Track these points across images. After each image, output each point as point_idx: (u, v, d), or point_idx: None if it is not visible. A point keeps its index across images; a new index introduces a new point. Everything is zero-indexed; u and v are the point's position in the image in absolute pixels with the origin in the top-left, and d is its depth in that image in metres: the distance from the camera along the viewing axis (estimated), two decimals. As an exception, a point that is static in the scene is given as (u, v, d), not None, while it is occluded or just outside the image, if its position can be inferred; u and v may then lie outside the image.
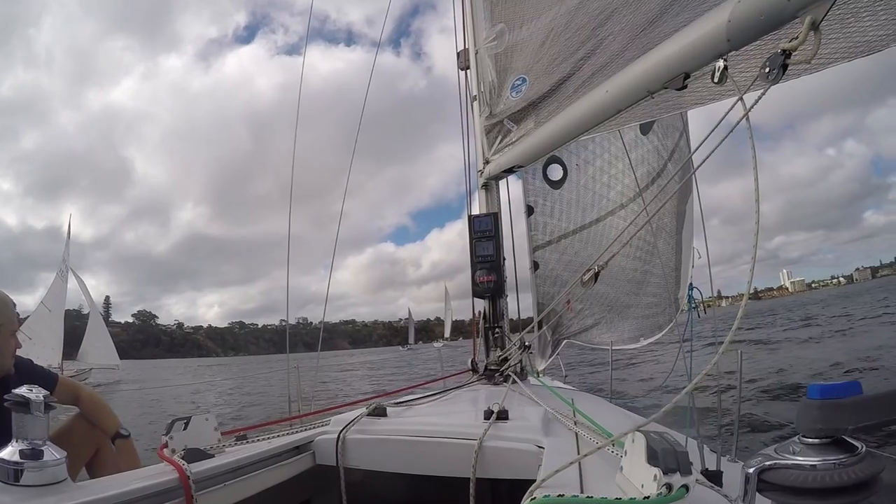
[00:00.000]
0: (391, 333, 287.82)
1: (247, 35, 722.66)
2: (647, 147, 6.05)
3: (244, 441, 2.38)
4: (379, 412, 2.60)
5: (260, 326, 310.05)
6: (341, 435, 2.33)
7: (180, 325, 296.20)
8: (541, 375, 5.55)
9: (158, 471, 1.81)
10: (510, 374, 3.70)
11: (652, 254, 6.16)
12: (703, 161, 2.24)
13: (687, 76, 2.45)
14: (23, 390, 1.63)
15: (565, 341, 6.13)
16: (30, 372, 2.72)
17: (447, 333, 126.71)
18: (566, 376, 7.10)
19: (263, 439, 2.44)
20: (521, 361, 4.03)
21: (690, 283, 4.83)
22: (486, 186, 4.44)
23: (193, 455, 1.93)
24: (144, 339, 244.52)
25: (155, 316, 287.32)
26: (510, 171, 4.13)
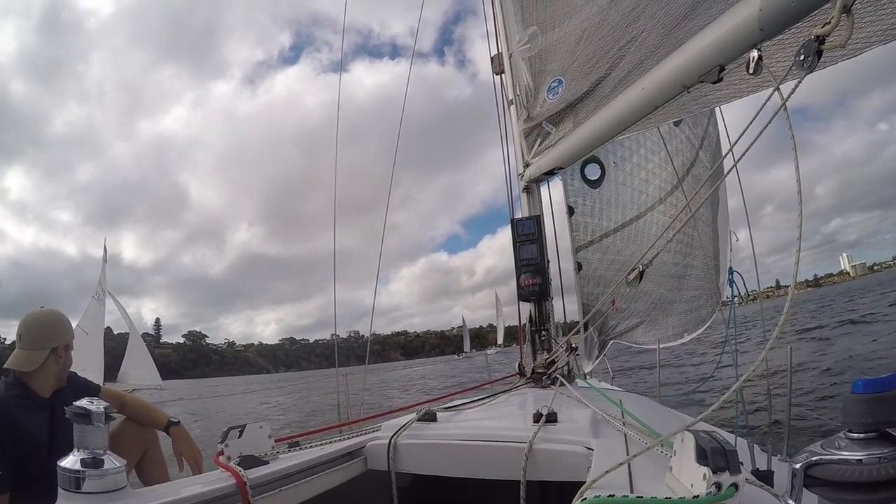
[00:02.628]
0: (444, 343, 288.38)
1: (293, 55, 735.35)
2: (679, 138, 6.09)
3: (297, 448, 2.46)
4: (429, 417, 2.67)
5: (311, 341, 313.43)
6: (392, 440, 2.41)
7: (231, 344, 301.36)
8: (588, 378, 5.58)
9: (215, 477, 1.90)
10: (557, 376, 3.75)
11: (692, 245, 6.19)
12: (743, 154, 2.28)
13: (722, 69, 2.48)
14: (84, 402, 1.73)
15: (612, 342, 6.13)
16: (75, 384, 2.93)
17: (500, 340, 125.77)
18: (613, 378, 7.11)
19: (315, 445, 2.52)
20: (567, 364, 4.07)
21: (730, 268, 4.84)
22: (527, 189, 4.48)
23: (249, 462, 2.01)
24: (195, 359, 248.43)
25: (205, 336, 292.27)
26: (551, 173, 4.17)
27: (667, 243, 4.62)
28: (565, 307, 5.29)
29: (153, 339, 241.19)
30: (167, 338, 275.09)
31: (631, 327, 6.11)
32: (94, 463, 1.64)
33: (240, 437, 2.11)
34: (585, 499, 1.27)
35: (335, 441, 2.60)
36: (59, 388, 2.79)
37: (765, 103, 2.11)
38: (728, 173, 2.80)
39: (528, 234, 4.24)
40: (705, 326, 6.44)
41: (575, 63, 3.85)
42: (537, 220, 4.34)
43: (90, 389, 2.97)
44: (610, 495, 1.28)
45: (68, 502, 1.59)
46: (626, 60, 3.33)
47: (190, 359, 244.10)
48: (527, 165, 4.32)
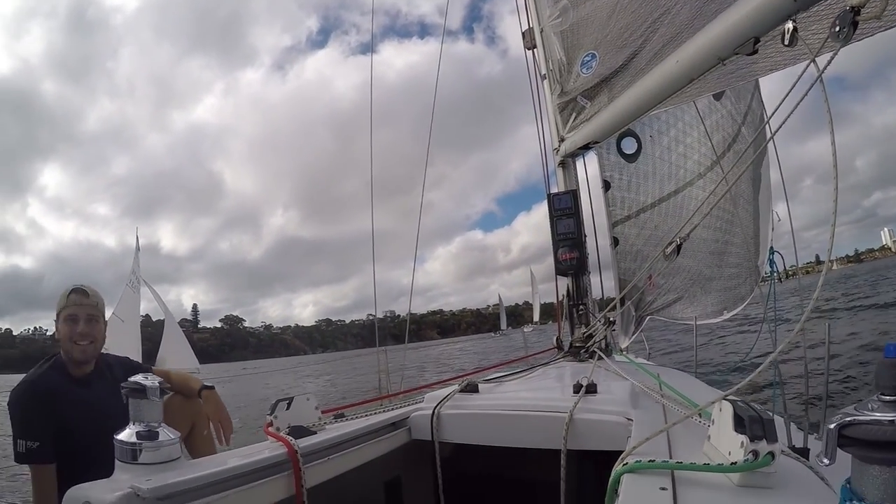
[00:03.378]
0: (480, 321, 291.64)
1: (321, 39, 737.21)
2: (721, 113, 6.04)
3: (342, 419, 2.58)
4: (471, 388, 2.77)
5: (347, 322, 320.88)
6: (436, 410, 2.52)
7: (268, 327, 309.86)
8: (625, 353, 5.61)
9: (267, 446, 2.00)
10: (595, 350, 3.82)
11: (731, 223, 6.16)
12: (779, 127, 2.34)
13: (757, 40, 2.54)
14: (138, 378, 1.85)
15: (648, 317, 6.19)
16: (122, 362, 3.18)
17: (536, 317, 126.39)
18: (650, 355, 7.13)
19: (360, 417, 2.64)
20: (605, 338, 4.15)
21: (771, 248, 4.86)
22: (562, 164, 4.54)
23: (298, 432, 2.11)
24: (232, 343, 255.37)
25: (242, 319, 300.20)
26: (586, 147, 4.23)
27: (703, 217, 4.62)
28: (602, 282, 5.36)
29: (191, 325, 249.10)
30: (206, 323, 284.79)
31: (668, 303, 6.15)
32: (149, 435, 1.74)
33: (288, 408, 2.21)
34: (627, 464, 1.37)
35: (379, 412, 2.72)
36: (86, 362, 2.95)
37: (800, 76, 2.15)
38: (764, 146, 2.83)
39: (565, 209, 4.31)
40: (744, 304, 6.44)
41: (608, 37, 3.90)
42: (574, 195, 4.40)
43: (141, 369, 3.11)
44: (650, 461, 1.37)
45: (125, 473, 1.67)
46: (659, 33, 3.37)
47: (227, 342, 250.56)
48: (562, 140, 4.38)
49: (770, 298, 4.77)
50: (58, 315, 2.89)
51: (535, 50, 4.85)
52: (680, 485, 1.28)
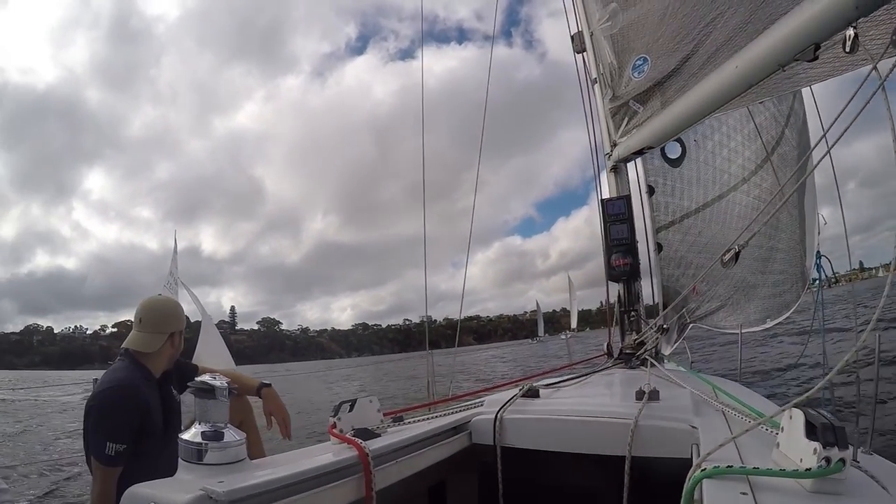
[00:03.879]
0: (516, 327, 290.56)
1: (360, 45, 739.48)
2: (764, 115, 6.06)
3: (400, 422, 2.62)
4: (532, 393, 2.82)
5: (384, 327, 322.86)
6: (499, 415, 2.57)
7: (305, 330, 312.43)
8: (666, 360, 5.62)
9: (335, 448, 2.04)
10: (647, 357, 3.87)
11: (777, 228, 6.17)
12: (841, 136, 2.40)
13: (818, 47, 2.57)
14: (206, 378, 1.90)
15: (691, 325, 6.18)
16: (175, 364, 3.23)
17: (574, 324, 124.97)
18: (692, 363, 7.13)
19: (417, 421, 2.69)
20: (657, 345, 4.17)
21: (818, 252, 4.88)
22: (615, 169, 4.59)
23: (363, 434, 2.12)
24: (269, 345, 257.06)
25: (279, 322, 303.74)
26: (640, 152, 4.28)
27: (762, 225, 4.67)
28: (654, 289, 5.43)
29: (229, 326, 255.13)
30: (244, 325, 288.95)
31: (711, 311, 6.14)
32: (215, 435, 1.76)
33: (350, 410, 2.24)
34: (705, 469, 1.41)
35: (437, 416, 2.77)
36: (166, 370, 3.09)
37: (862, 83, 2.22)
38: (823, 157, 2.86)
39: (619, 214, 4.37)
40: (789, 312, 6.45)
41: (660, 41, 3.94)
42: (627, 200, 4.46)
43: (189, 368, 3.30)
44: (728, 466, 1.40)
45: (189, 473, 1.70)
46: (712, 38, 3.42)
47: (264, 344, 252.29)
48: (614, 145, 4.43)
49: (818, 305, 4.79)
50: (175, 332, 3.06)
51: (584, 53, 4.91)
52: (756, 490, 1.32)
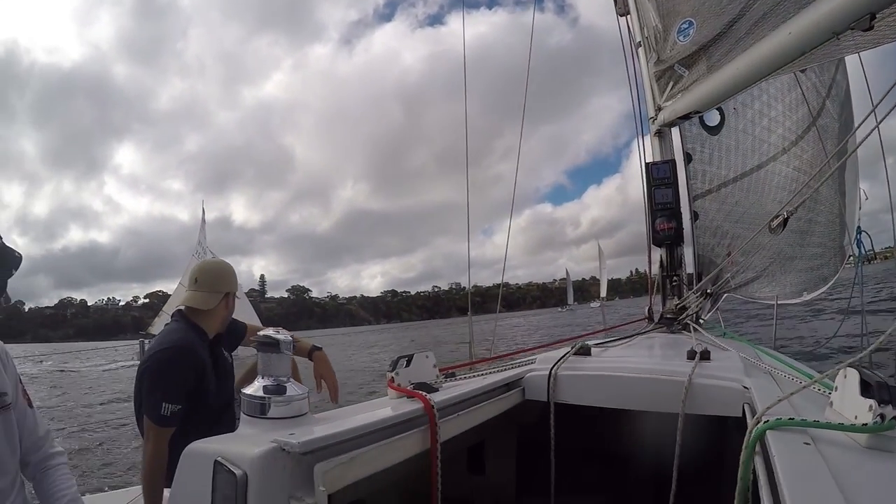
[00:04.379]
0: (545, 295, 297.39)
1: (388, 12, 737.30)
2: (805, 85, 5.98)
3: (453, 378, 2.70)
4: (584, 351, 2.90)
5: (413, 293, 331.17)
6: (553, 371, 2.64)
7: (334, 297, 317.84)
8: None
9: (397, 402, 2.09)
10: (689, 322, 3.93)
11: (816, 200, 6.11)
12: (891, 111, 2.42)
13: (873, 16, 2.59)
14: (270, 332, 1.97)
15: (725, 295, 6.16)
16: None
17: (603, 293, 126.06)
18: (724, 334, 7.13)
19: (471, 377, 2.76)
20: (698, 310, 4.23)
21: (858, 227, 4.88)
22: (659, 134, 4.62)
23: (423, 388, 2.16)
24: (298, 312, 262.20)
25: (308, 290, 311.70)
26: (686, 117, 4.29)
27: (813, 191, 4.64)
28: (694, 257, 5.48)
29: (258, 295, 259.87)
30: (274, 293, 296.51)
31: (746, 281, 6.11)
32: (277, 389, 1.81)
33: (407, 365, 2.30)
34: (767, 421, 1.46)
35: (489, 373, 2.84)
36: (219, 332, 3.17)
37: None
38: (873, 131, 2.86)
39: (664, 178, 4.42)
40: (826, 286, 6.42)
41: (706, 4, 3.94)
42: (672, 165, 4.50)
43: (238, 327, 3.38)
44: (790, 419, 1.46)
45: (253, 428, 1.75)
46: (760, 1, 3.43)
47: (293, 312, 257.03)
48: (659, 109, 4.45)
49: (858, 279, 4.79)
50: (229, 293, 3.13)
51: (628, 16, 4.91)
52: (816, 443, 1.36)
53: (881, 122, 2.67)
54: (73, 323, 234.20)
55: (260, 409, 1.78)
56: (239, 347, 3.36)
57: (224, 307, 3.11)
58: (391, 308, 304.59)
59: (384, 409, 1.97)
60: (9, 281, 1.84)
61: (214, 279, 3.09)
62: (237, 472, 1.44)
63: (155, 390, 2.70)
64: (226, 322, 3.19)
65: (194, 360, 2.83)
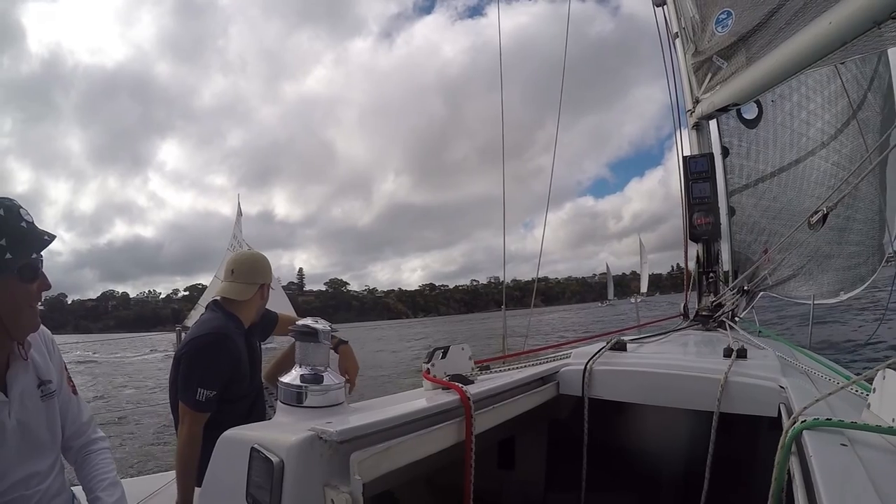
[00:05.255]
0: (585, 290, 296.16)
1: (427, 4, 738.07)
2: (846, 77, 5.94)
3: (488, 371, 2.74)
4: (619, 346, 2.92)
5: (451, 287, 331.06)
6: (588, 366, 2.67)
7: (372, 291, 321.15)
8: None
9: (434, 393, 2.14)
10: (724, 319, 3.95)
11: (855, 196, 6.10)
12: None
13: None
14: (308, 321, 2.01)
15: (761, 293, 6.14)
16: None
17: (643, 288, 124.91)
18: (760, 332, 7.12)
19: (505, 370, 2.82)
20: (734, 308, 4.26)
21: (901, 225, 4.84)
22: (697, 126, 4.65)
23: (459, 380, 2.19)
24: (336, 305, 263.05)
25: (346, 283, 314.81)
26: (724, 109, 4.30)
27: (852, 187, 4.62)
28: (731, 253, 5.46)
29: (297, 288, 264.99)
30: (314, 286, 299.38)
31: (783, 279, 6.05)
32: (314, 378, 1.85)
33: (443, 357, 2.33)
34: (805, 421, 1.46)
35: (524, 367, 2.89)
36: (254, 321, 3.28)
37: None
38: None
39: (702, 172, 4.45)
40: (864, 286, 6.41)
41: (745, -7, 3.92)
42: (711, 159, 4.55)
43: (270, 316, 3.50)
44: (827, 419, 1.46)
45: (289, 416, 1.80)
46: (801, -9, 3.42)
47: (331, 305, 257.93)
48: (697, 101, 4.47)
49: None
50: (264, 284, 3.25)
51: (664, 7, 4.94)
52: (854, 444, 1.37)
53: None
54: (113, 315, 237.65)
55: (297, 397, 1.83)
56: (276, 338, 3.47)
57: (259, 297, 3.22)
58: (429, 302, 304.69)
59: (419, 400, 2.03)
60: (46, 272, 1.90)
61: (250, 270, 3.20)
62: (274, 458, 1.48)
63: (192, 375, 2.81)
64: (260, 312, 3.31)
65: (231, 347, 2.93)
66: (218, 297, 3.17)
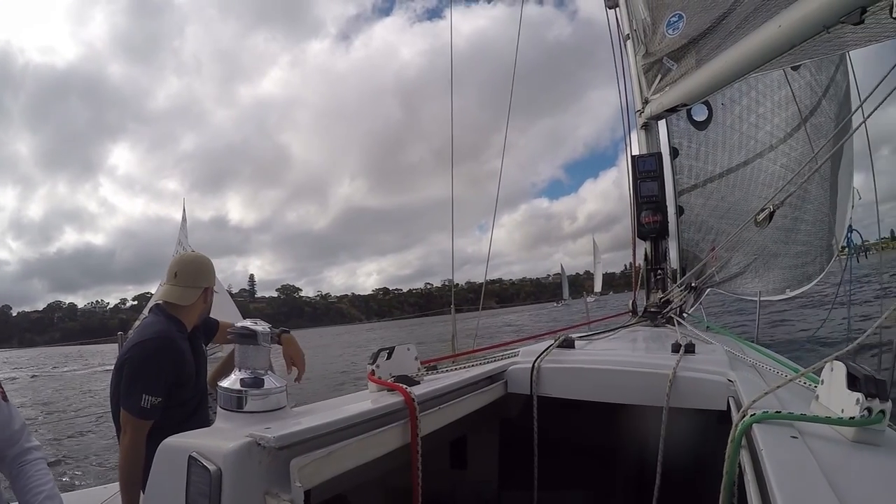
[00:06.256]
0: (539, 290, 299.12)
1: (387, 6, 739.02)
2: (798, 83, 5.98)
3: (435, 371, 2.67)
4: (567, 344, 2.88)
5: (405, 291, 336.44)
6: (536, 364, 2.61)
7: (325, 296, 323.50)
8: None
9: (378, 395, 2.06)
10: (672, 315, 3.93)
11: (804, 199, 6.14)
12: (880, 104, 2.43)
13: (864, 10, 2.59)
14: (247, 323, 1.93)
15: (708, 290, 6.20)
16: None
17: (597, 287, 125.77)
18: (708, 328, 7.17)
19: (453, 370, 2.74)
20: (682, 304, 4.25)
21: (850, 226, 4.90)
22: (646, 126, 4.61)
23: (404, 381, 2.11)
24: (288, 312, 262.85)
25: (298, 289, 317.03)
26: (673, 110, 4.29)
27: (797, 188, 4.67)
28: (680, 251, 5.51)
29: (248, 294, 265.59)
30: (267, 293, 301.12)
31: (731, 276, 6.15)
32: (255, 382, 1.78)
33: (389, 358, 2.25)
34: (755, 414, 1.45)
35: (472, 366, 2.82)
36: (196, 325, 3.15)
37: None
38: (860, 126, 2.87)
39: (650, 171, 4.41)
40: (811, 285, 6.46)
41: (696, -3, 3.90)
42: (658, 158, 4.50)
43: (211, 323, 3.37)
44: (777, 412, 1.46)
45: (229, 422, 1.72)
46: (752, -5, 3.40)
47: (283, 311, 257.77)
48: (646, 102, 4.45)
49: (846, 276, 4.81)
50: (208, 287, 3.12)
51: (617, 9, 4.90)
52: (803, 437, 1.36)
53: (868, 117, 2.68)
54: (59, 327, 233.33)
55: (237, 402, 1.76)
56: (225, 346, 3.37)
57: (203, 301, 3.09)
58: (383, 306, 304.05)
59: (364, 402, 1.94)
60: None
61: (194, 273, 3.07)
62: (211, 467, 1.41)
63: (136, 381, 2.66)
64: (203, 316, 3.18)
65: (175, 352, 2.81)
66: (161, 301, 3.03)
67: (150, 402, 2.62)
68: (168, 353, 2.77)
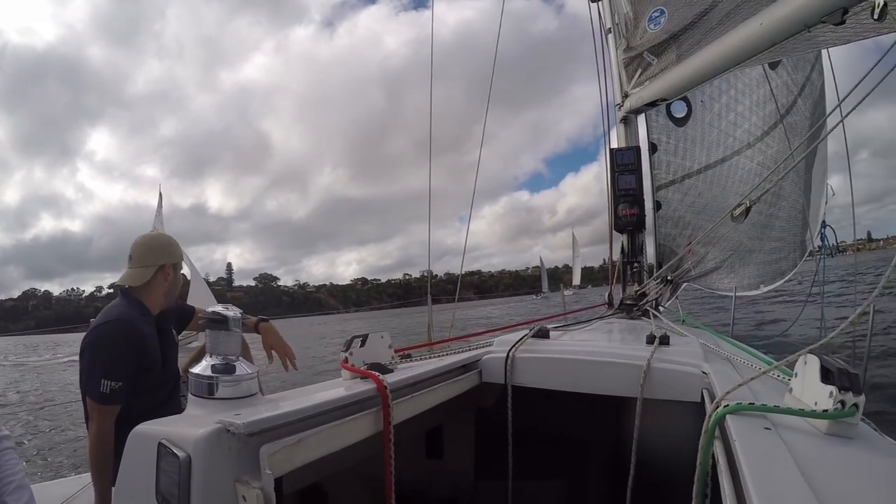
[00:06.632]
0: (518, 283, 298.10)
1: None
2: (776, 82, 6.00)
3: (409, 359, 2.66)
4: (542, 334, 2.86)
5: (384, 281, 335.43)
6: (510, 354, 2.60)
7: (303, 286, 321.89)
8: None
9: (348, 383, 2.05)
10: (648, 308, 3.95)
11: (778, 196, 6.19)
12: (858, 105, 2.42)
13: (846, 11, 2.58)
14: (218, 308, 1.88)
15: (684, 284, 6.20)
16: (175, 306, 3.25)
17: (576, 280, 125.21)
18: (684, 321, 7.22)
19: (426, 358, 2.72)
20: (658, 297, 4.26)
21: (823, 222, 4.92)
22: (625, 120, 4.61)
23: (378, 369, 2.09)
24: (266, 301, 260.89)
25: (276, 278, 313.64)
26: (652, 104, 4.29)
27: (773, 185, 4.71)
28: (656, 246, 5.53)
29: (226, 283, 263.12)
30: (245, 281, 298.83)
31: (707, 271, 6.15)
32: (226, 369, 1.74)
33: (362, 345, 2.23)
34: (727, 406, 1.45)
35: (446, 355, 2.80)
36: (165, 307, 3.08)
37: (887, 52, 2.25)
38: (837, 125, 2.88)
39: (628, 165, 4.42)
40: (784, 280, 6.53)
41: (679, -8, 3.90)
42: (637, 151, 4.51)
43: (187, 310, 3.34)
44: (750, 403, 1.47)
45: (200, 409, 1.69)
46: (734, -8, 3.39)
47: (260, 301, 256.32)
48: (626, 96, 4.44)
49: (820, 272, 4.84)
50: (165, 265, 3.02)
51: (599, 3, 4.89)
52: (776, 428, 1.37)
53: (845, 117, 2.68)
54: (34, 315, 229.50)
55: (207, 389, 1.72)
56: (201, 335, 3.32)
57: (163, 280, 3.01)
58: (361, 296, 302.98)
59: (336, 389, 1.93)
60: None
61: (145, 253, 3.00)
62: (181, 454, 1.39)
63: (95, 365, 2.62)
64: (170, 296, 3.10)
65: (135, 334, 2.74)
66: (125, 286, 2.97)
67: (110, 387, 2.56)
68: (124, 335, 2.71)
